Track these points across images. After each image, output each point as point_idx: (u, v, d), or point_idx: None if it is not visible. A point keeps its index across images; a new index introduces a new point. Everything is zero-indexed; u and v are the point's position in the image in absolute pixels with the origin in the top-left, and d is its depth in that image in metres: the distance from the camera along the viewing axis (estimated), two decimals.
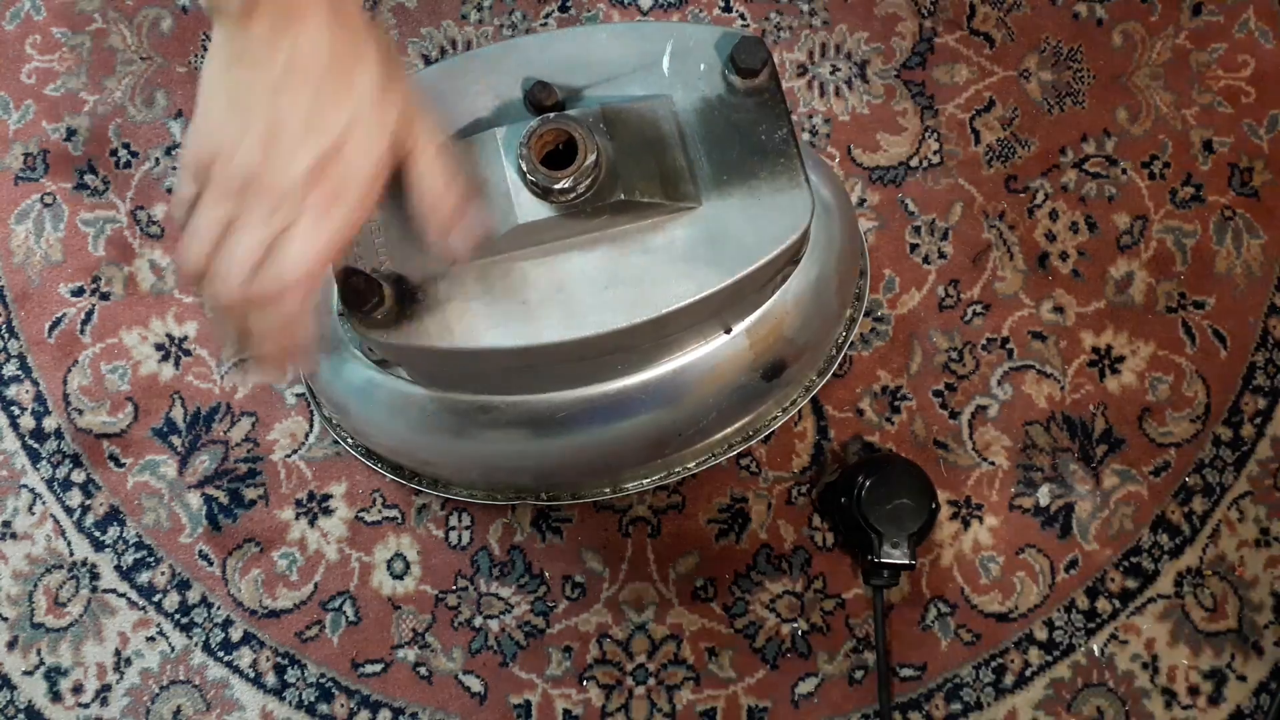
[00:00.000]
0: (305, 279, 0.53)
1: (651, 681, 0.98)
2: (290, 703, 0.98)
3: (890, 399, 1.02)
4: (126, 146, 1.08)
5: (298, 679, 0.98)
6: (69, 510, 1.01)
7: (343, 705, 0.98)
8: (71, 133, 1.08)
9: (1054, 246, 1.05)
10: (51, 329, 1.04)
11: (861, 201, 1.05)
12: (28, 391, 1.03)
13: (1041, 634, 0.98)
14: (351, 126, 0.51)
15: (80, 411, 1.03)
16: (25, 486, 1.02)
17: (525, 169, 0.62)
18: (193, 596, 1.00)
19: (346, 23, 0.50)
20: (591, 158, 0.62)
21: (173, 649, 0.99)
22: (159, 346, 1.04)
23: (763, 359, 0.78)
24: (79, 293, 1.05)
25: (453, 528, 1.00)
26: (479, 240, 0.59)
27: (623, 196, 0.64)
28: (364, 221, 0.54)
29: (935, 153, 1.06)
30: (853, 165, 1.06)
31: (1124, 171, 1.06)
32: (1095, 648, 0.98)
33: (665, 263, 0.66)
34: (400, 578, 1.00)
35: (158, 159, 1.07)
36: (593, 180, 0.62)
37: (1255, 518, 1.00)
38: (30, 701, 0.98)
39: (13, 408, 1.03)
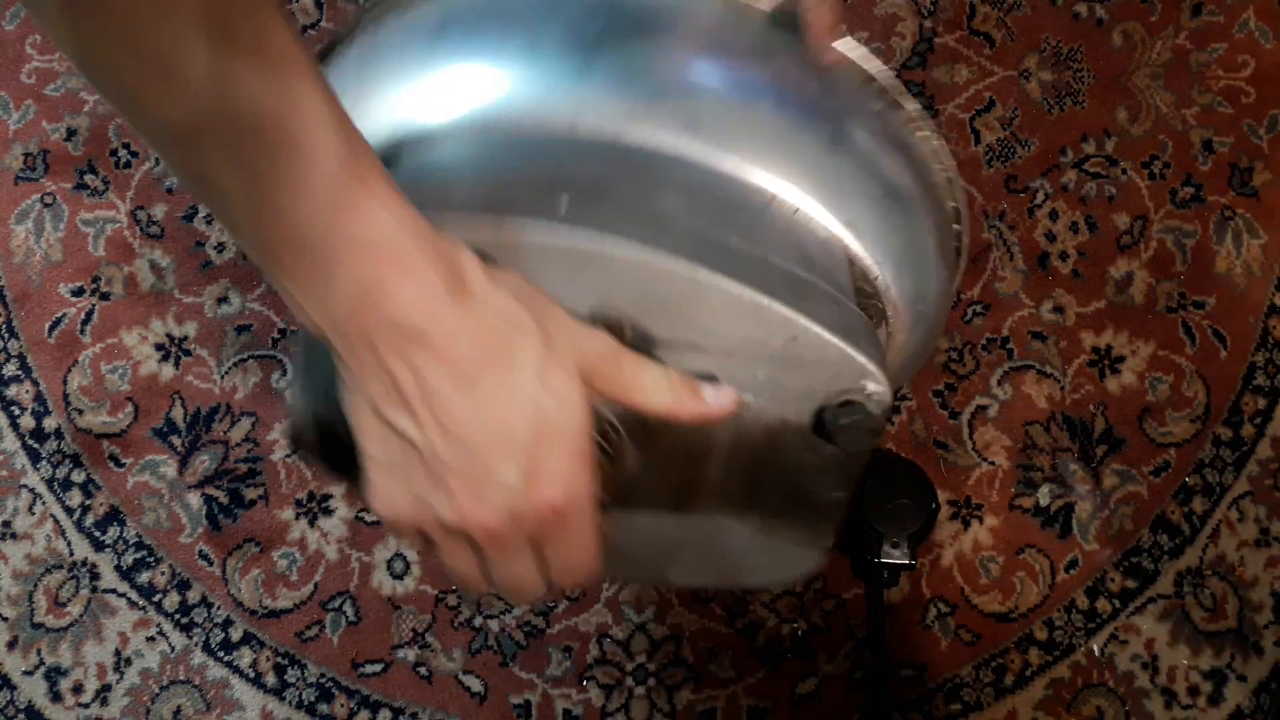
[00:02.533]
0: (585, 576, 0.47)
1: (651, 681, 0.98)
2: (290, 703, 0.98)
3: None
4: (126, 146, 1.08)
5: (298, 679, 0.98)
6: (69, 510, 1.01)
7: (343, 705, 0.98)
8: (71, 133, 1.08)
9: (1054, 246, 1.05)
10: (51, 329, 1.04)
11: None
12: (28, 391, 1.03)
13: (1041, 634, 0.98)
14: (538, 403, 0.42)
15: (80, 411, 1.03)
16: (25, 486, 1.02)
17: None
18: (193, 596, 1.00)
19: (464, 282, 0.41)
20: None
21: (173, 649, 0.99)
22: (159, 346, 1.04)
23: None
24: (79, 293, 1.05)
25: None
26: (735, 397, 0.50)
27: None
28: (596, 497, 0.46)
29: None
30: None
31: (1124, 171, 1.06)
32: (1095, 648, 0.98)
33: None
34: (400, 578, 1.00)
35: (158, 159, 1.07)
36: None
37: (1255, 518, 1.00)
38: (30, 701, 0.98)
39: (13, 408, 1.03)
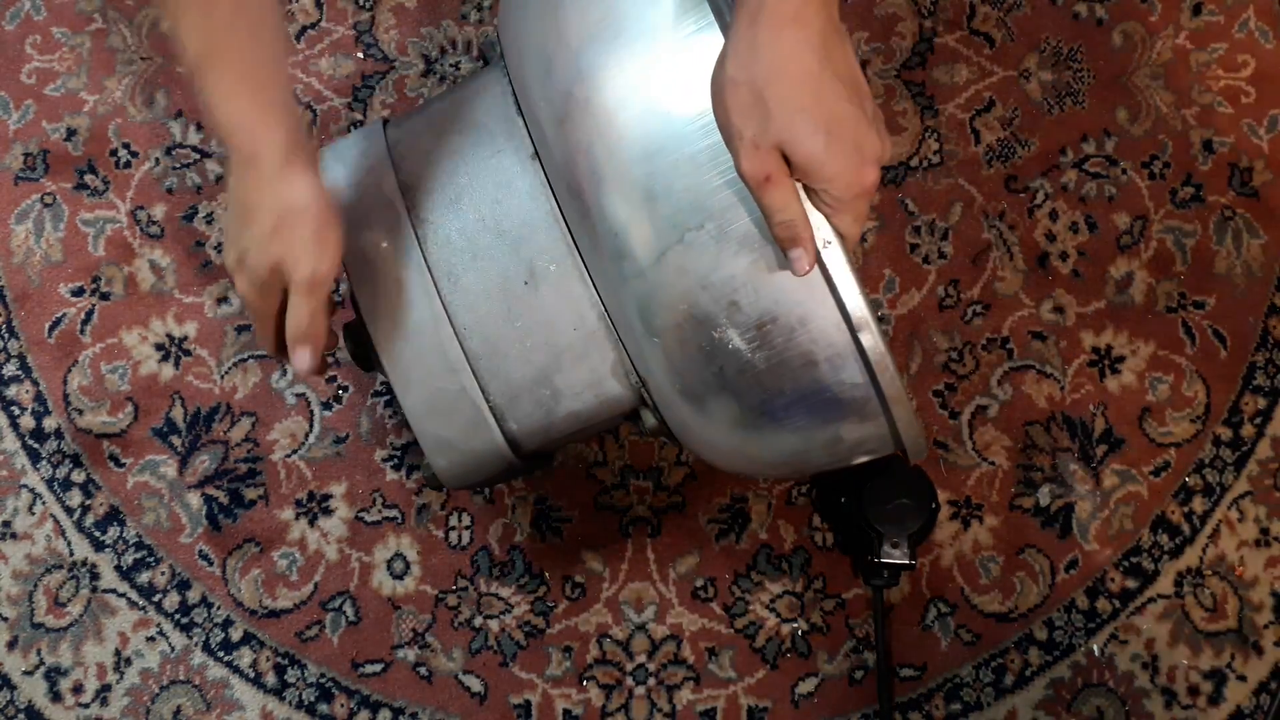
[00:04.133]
0: (266, 347, 0.73)
1: (651, 681, 0.98)
2: (290, 703, 0.98)
3: None
4: (126, 146, 1.08)
5: (298, 679, 0.98)
6: (69, 510, 1.01)
7: (343, 705, 0.98)
8: (71, 133, 1.08)
9: (1054, 246, 1.05)
10: (51, 329, 1.04)
11: None
12: (28, 391, 1.03)
13: (1041, 634, 0.98)
14: (246, 251, 0.67)
15: (80, 411, 1.03)
16: (25, 486, 1.02)
17: None
18: (193, 596, 1.00)
19: (259, 173, 0.66)
20: None
21: (173, 649, 0.99)
22: (159, 346, 1.04)
23: None
24: (79, 293, 1.05)
25: (453, 528, 1.00)
26: (309, 365, 0.70)
27: None
28: (267, 315, 0.69)
29: (935, 153, 1.06)
30: None
31: (1124, 171, 1.06)
32: (1095, 648, 0.98)
33: None
34: (400, 578, 1.00)
35: (158, 159, 1.07)
36: None
37: (1255, 518, 1.00)
38: (30, 701, 0.98)
39: (13, 408, 1.03)
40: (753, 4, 0.57)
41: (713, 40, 0.61)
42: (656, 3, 0.64)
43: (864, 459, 0.72)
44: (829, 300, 0.62)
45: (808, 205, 0.60)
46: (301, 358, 0.69)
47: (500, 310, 0.71)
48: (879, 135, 0.59)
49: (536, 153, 0.70)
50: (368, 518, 1.01)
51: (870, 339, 0.62)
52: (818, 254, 0.60)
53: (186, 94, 1.08)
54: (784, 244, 0.61)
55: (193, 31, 0.64)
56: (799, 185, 0.59)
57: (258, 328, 0.71)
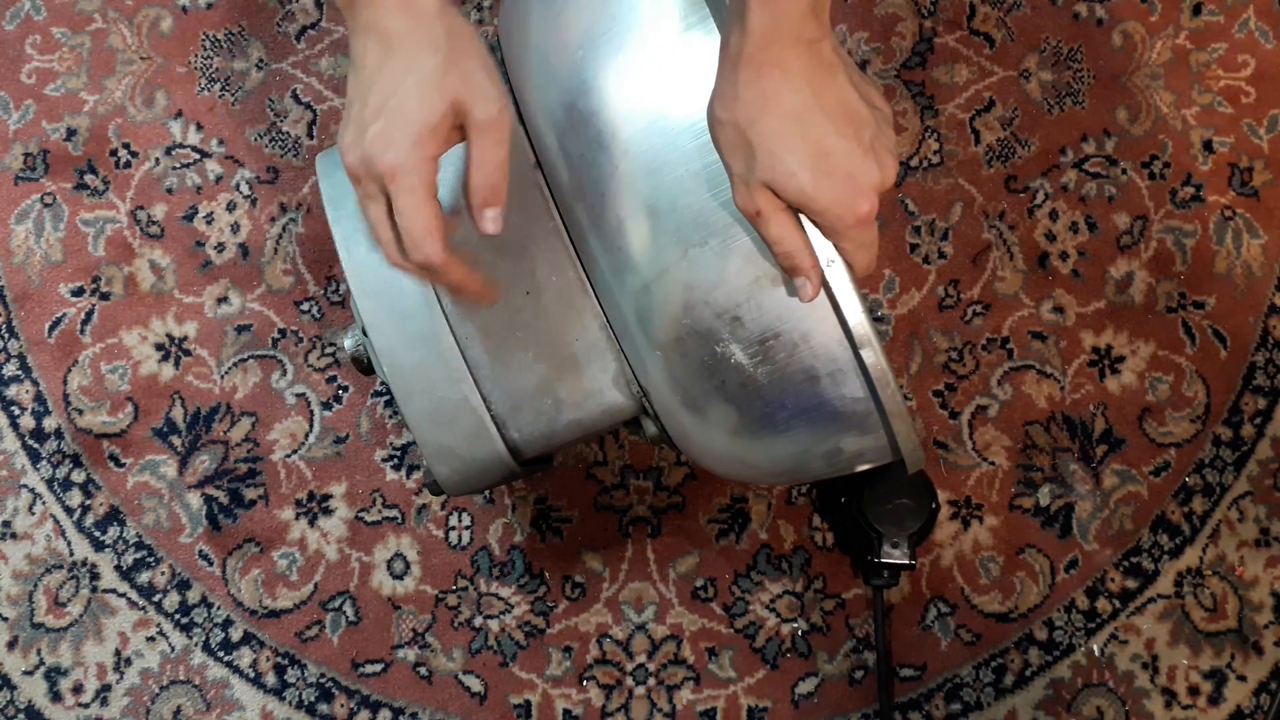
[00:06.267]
0: (426, 247, 0.61)
1: (651, 681, 0.98)
2: (290, 703, 0.98)
3: None
4: (126, 146, 1.08)
5: (298, 679, 0.98)
6: (69, 510, 1.01)
7: (343, 705, 0.98)
8: (71, 133, 1.08)
9: (1054, 246, 1.05)
10: (51, 329, 1.04)
11: None
12: (28, 391, 1.03)
13: (1041, 634, 0.98)
14: (406, 94, 0.59)
15: (80, 411, 1.03)
16: (25, 486, 1.02)
17: None
18: (193, 596, 1.00)
19: (415, 9, 0.60)
20: None
21: (173, 649, 0.99)
22: (159, 346, 1.04)
23: None
24: (79, 293, 1.05)
25: (453, 528, 1.00)
26: (500, 227, 0.63)
27: None
28: (429, 178, 0.61)
29: (935, 153, 1.06)
30: None
31: (1124, 171, 1.06)
32: (1095, 648, 0.98)
33: None
34: (400, 578, 1.00)
35: (158, 159, 1.07)
36: None
37: (1255, 518, 1.00)
38: (30, 701, 0.98)
39: (13, 408, 1.03)
40: (733, 49, 0.58)
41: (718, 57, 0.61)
42: (661, 16, 0.64)
43: (863, 468, 0.72)
44: (831, 317, 0.62)
45: (812, 231, 0.60)
46: (492, 218, 0.62)
47: (502, 320, 0.71)
48: (878, 164, 0.59)
49: (538, 163, 0.70)
50: (368, 518, 1.01)
51: (872, 355, 0.62)
52: (823, 278, 0.61)
53: (186, 94, 1.08)
54: (787, 272, 0.61)
55: None
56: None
57: (409, 205, 0.61)
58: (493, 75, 0.61)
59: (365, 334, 0.73)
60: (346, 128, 0.62)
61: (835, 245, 0.60)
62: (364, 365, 0.76)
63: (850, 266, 0.61)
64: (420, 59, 0.60)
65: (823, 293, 0.61)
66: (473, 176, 0.61)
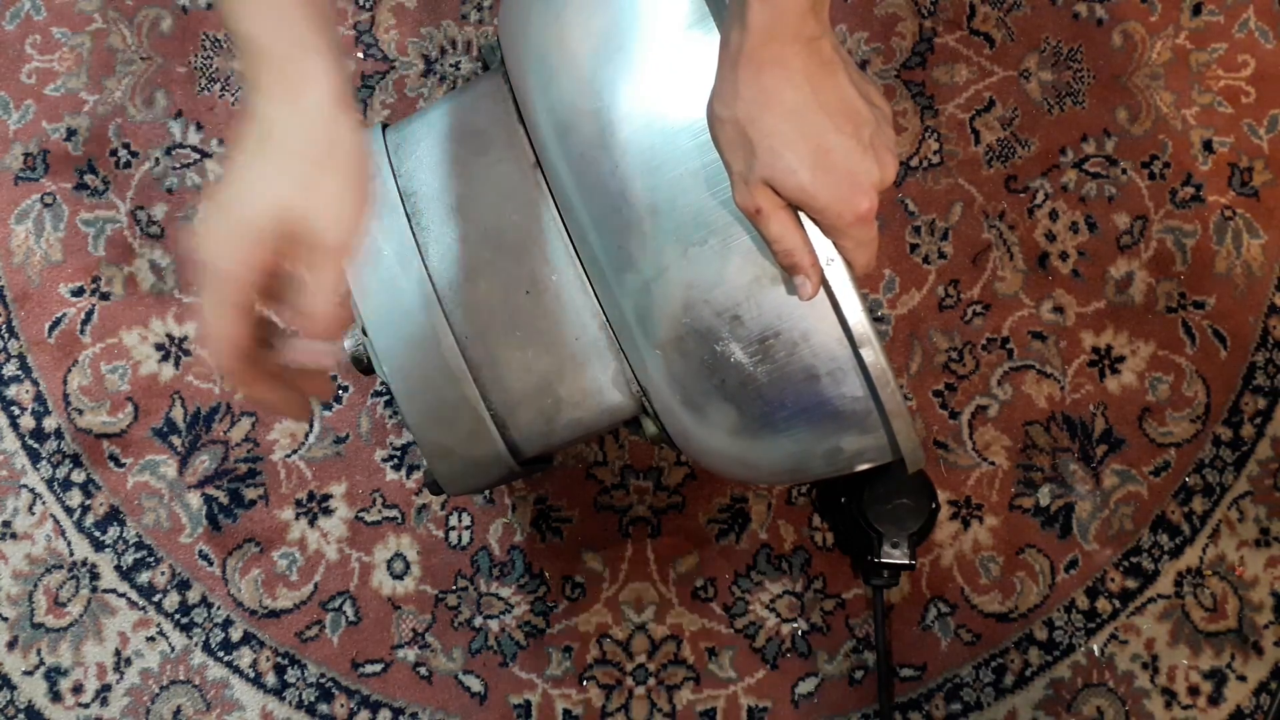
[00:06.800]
0: (215, 361, 0.57)
1: (651, 681, 0.98)
2: (290, 703, 0.98)
3: None
4: (126, 146, 1.08)
5: (298, 679, 0.98)
6: (69, 510, 1.01)
7: (343, 705, 0.98)
8: (71, 133, 1.08)
9: (1054, 246, 1.05)
10: (51, 329, 1.04)
11: None
12: (28, 391, 1.03)
13: (1041, 634, 0.98)
14: (249, 186, 0.55)
15: (80, 411, 1.03)
16: (25, 486, 1.02)
17: None
18: (193, 596, 1.00)
19: (298, 102, 0.55)
20: None
21: (173, 649, 0.99)
22: (159, 346, 1.04)
23: None
24: (79, 293, 1.05)
25: (453, 528, 1.00)
26: (337, 360, 0.60)
27: None
28: (229, 287, 0.55)
29: (935, 153, 1.06)
30: None
31: (1124, 171, 1.06)
32: (1095, 648, 0.98)
33: None
34: (400, 578, 1.00)
35: (158, 159, 1.07)
36: None
37: (1255, 518, 1.00)
38: (30, 701, 0.98)
39: (13, 408, 1.03)
40: (732, 47, 0.58)
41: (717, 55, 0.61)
42: (662, 15, 0.64)
43: (863, 467, 0.72)
44: (831, 316, 0.62)
45: (812, 229, 0.60)
46: (323, 351, 0.57)
47: (502, 319, 0.71)
48: (877, 162, 0.59)
49: (538, 162, 0.70)
50: (368, 518, 1.01)
51: (871, 354, 0.62)
52: (822, 277, 0.61)
53: (186, 94, 1.08)
54: (786, 270, 0.61)
55: None
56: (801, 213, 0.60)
57: (231, 318, 0.55)
58: (359, 199, 0.56)
59: (365, 334, 0.73)
60: (232, 179, 0.56)
61: (835, 243, 0.60)
62: (364, 365, 0.76)
63: (850, 265, 0.61)
64: (286, 161, 0.54)
65: (822, 291, 0.61)
66: (308, 304, 0.55)
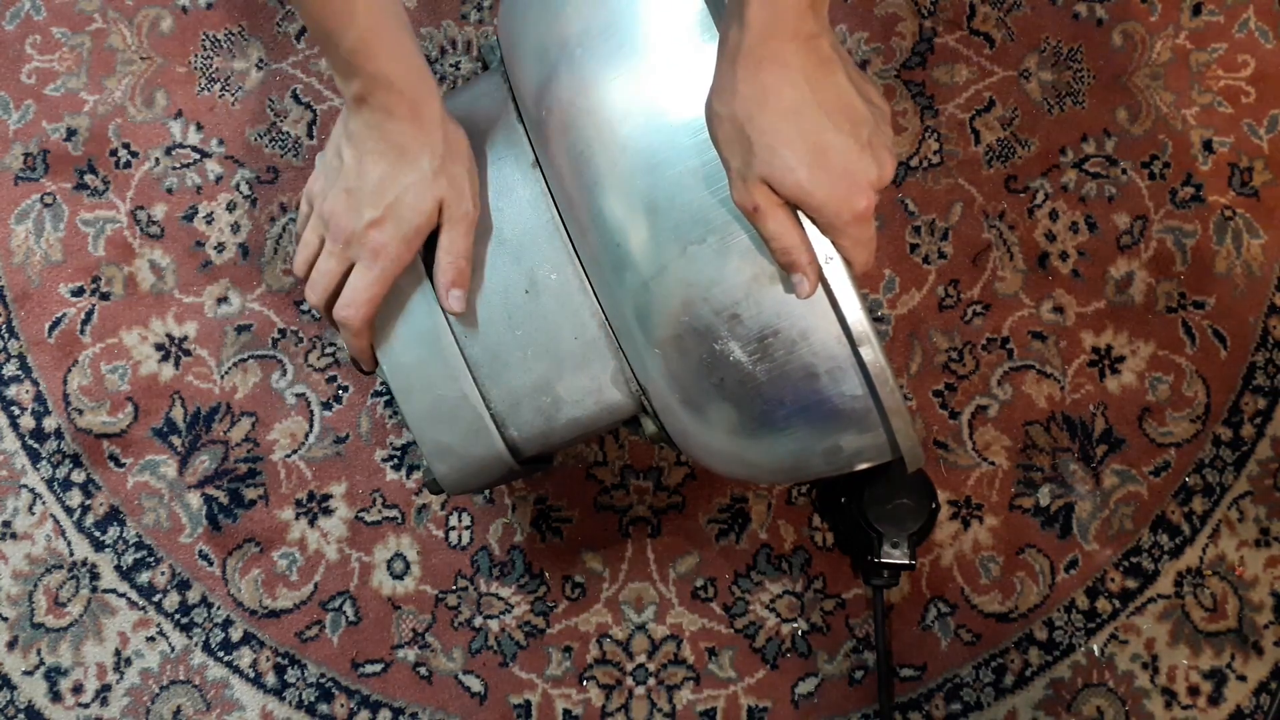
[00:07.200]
0: (358, 311, 0.70)
1: (651, 681, 0.98)
2: (290, 703, 0.98)
3: None
4: (126, 146, 1.08)
5: (298, 679, 0.98)
6: (69, 510, 1.01)
7: (343, 705, 0.98)
8: (71, 133, 1.08)
9: (1054, 246, 1.05)
10: (51, 329, 1.04)
11: None
12: (28, 391, 1.03)
13: (1041, 634, 0.98)
14: (405, 192, 0.67)
15: (80, 411, 1.03)
16: (25, 486, 1.02)
17: None
18: (193, 596, 1.00)
19: (422, 120, 0.68)
20: None
21: (173, 649, 0.99)
22: (159, 346, 1.04)
23: None
24: (79, 293, 1.05)
25: (453, 528, 1.00)
26: (463, 306, 0.70)
27: None
28: (401, 267, 0.69)
29: (935, 153, 1.06)
30: None
31: (1124, 171, 1.06)
32: (1095, 648, 0.98)
33: None
34: (400, 578, 1.00)
35: (158, 159, 1.07)
36: None
37: (1255, 518, 1.00)
38: (30, 701, 0.98)
39: (13, 408, 1.03)
40: (731, 44, 0.58)
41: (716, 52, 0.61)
42: (660, 14, 0.64)
43: (863, 466, 0.72)
44: (830, 314, 0.62)
45: (811, 227, 0.60)
46: (456, 298, 0.69)
47: (501, 318, 0.71)
48: (875, 160, 0.60)
49: (538, 161, 0.70)
50: (368, 518, 1.01)
51: (871, 353, 0.62)
52: (820, 275, 0.61)
53: (186, 94, 1.08)
54: (784, 268, 0.61)
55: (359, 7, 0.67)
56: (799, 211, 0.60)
57: (368, 280, 0.69)
58: (472, 175, 0.70)
59: None
60: (333, 185, 0.69)
61: (833, 242, 0.60)
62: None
63: (848, 263, 0.61)
64: (421, 162, 0.67)
65: (821, 289, 0.61)
66: (440, 259, 0.69)
